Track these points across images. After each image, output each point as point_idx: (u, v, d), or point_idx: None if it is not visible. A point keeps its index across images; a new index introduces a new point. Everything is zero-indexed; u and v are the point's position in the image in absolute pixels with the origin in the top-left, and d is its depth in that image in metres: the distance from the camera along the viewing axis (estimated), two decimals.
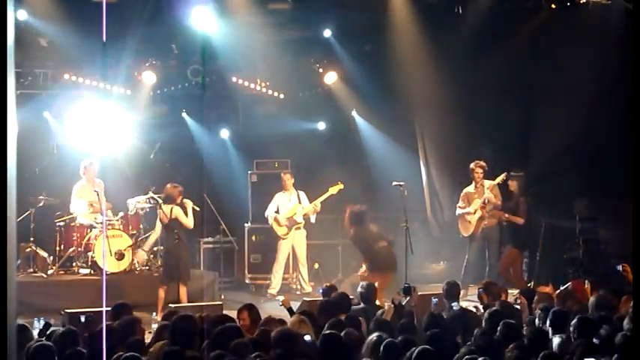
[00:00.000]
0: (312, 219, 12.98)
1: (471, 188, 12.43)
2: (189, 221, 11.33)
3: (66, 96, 13.98)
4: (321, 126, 15.80)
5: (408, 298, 8.26)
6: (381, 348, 5.85)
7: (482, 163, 12.37)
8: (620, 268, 9.30)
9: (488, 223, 12.35)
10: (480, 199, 12.27)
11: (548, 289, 9.19)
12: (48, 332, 7.07)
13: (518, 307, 8.39)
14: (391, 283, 11.37)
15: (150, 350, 6.29)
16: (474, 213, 12.33)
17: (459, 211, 12.53)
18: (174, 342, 6.21)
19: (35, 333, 7.22)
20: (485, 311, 8.00)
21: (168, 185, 11.59)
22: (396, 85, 14.28)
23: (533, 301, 8.31)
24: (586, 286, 9.53)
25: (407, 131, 14.80)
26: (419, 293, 9.74)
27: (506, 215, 12.19)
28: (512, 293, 10.08)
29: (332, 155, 15.20)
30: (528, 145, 13.78)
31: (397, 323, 7.28)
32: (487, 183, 12.42)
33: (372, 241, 11.86)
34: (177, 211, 11.28)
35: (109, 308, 8.01)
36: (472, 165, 12.32)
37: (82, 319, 7.06)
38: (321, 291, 12.65)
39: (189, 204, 11.35)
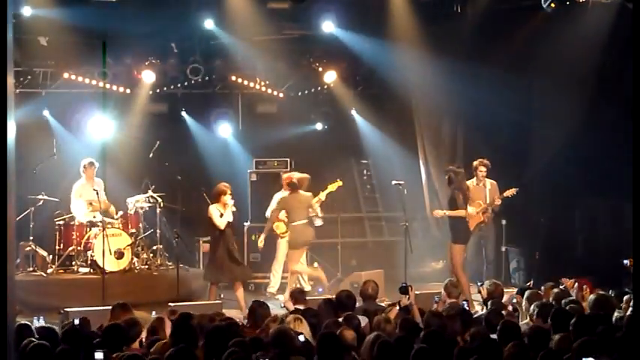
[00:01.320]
0: (318, 222, 12.76)
1: (470, 182, 12.44)
2: (219, 221, 11.21)
3: (65, 95, 13.99)
4: (321, 125, 15.80)
5: (406, 297, 8.24)
6: (375, 347, 5.83)
7: (486, 161, 12.34)
8: (627, 262, 9.27)
9: (484, 221, 12.36)
10: (480, 200, 12.25)
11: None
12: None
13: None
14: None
15: (151, 350, 6.27)
16: (474, 215, 12.33)
17: None
18: (176, 342, 6.20)
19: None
20: (482, 308, 8.03)
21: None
22: (396, 85, 14.28)
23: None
24: (584, 287, 9.54)
25: (406, 131, 14.79)
26: (419, 292, 9.76)
27: (447, 213, 11.90)
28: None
29: (331, 154, 15.21)
30: (528, 144, 13.77)
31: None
32: (489, 183, 12.41)
33: (293, 215, 11.86)
34: (211, 210, 11.23)
35: (108, 307, 8.02)
36: (476, 163, 12.30)
37: (77, 321, 7.04)
38: (320, 290, 12.70)
39: (229, 203, 11.26)
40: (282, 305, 8.75)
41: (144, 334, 6.86)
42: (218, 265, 11.24)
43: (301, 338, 6.20)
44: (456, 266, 11.53)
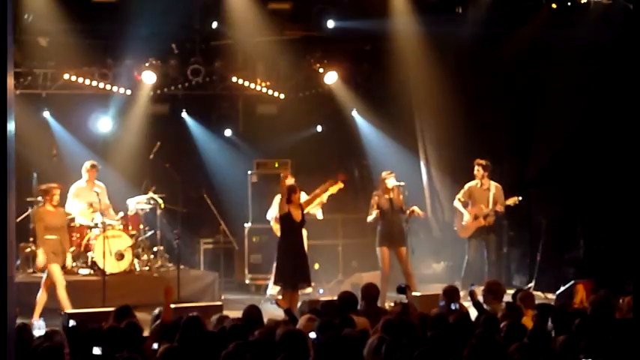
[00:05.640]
0: (319, 215, 12.68)
1: (474, 184, 12.44)
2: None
3: (66, 96, 13.99)
4: (321, 126, 15.80)
5: (403, 297, 8.20)
6: (383, 349, 5.81)
7: (481, 161, 12.38)
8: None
9: (486, 226, 12.37)
10: (482, 204, 12.25)
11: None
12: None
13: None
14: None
15: (159, 352, 6.24)
16: (476, 219, 12.32)
17: (457, 203, 12.52)
18: (181, 344, 6.19)
19: (35, 333, 7.19)
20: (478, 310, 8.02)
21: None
22: (396, 85, 14.27)
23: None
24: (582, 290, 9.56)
25: (407, 131, 14.79)
26: (420, 293, 9.73)
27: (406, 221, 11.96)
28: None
29: (332, 155, 15.20)
30: (528, 145, 13.77)
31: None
32: (493, 186, 12.40)
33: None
34: (279, 210, 11.05)
35: (109, 309, 7.99)
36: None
37: (72, 323, 7.02)
38: (321, 291, 12.66)
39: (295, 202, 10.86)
40: (273, 302, 8.71)
41: None
42: (290, 268, 10.80)
43: (312, 335, 6.19)
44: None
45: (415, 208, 11.83)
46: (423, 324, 6.93)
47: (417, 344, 5.77)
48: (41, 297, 10.77)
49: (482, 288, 8.79)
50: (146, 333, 7.01)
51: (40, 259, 11.01)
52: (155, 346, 6.46)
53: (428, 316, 7.27)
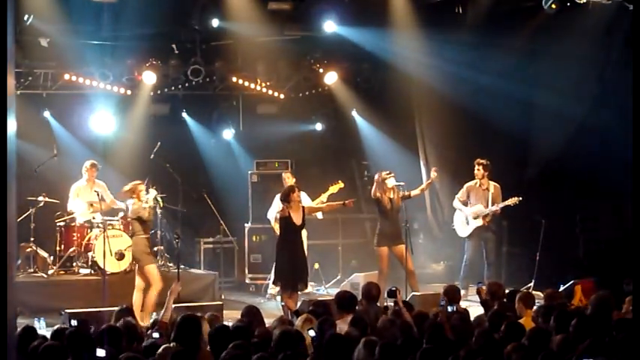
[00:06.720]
0: (320, 214, 12.67)
1: (472, 184, 12.45)
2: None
3: (66, 96, 14.01)
4: (321, 126, 15.80)
5: (393, 300, 8.20)
6: (377, 349, 5.81)
7: (482, 160, 12.38)
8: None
9: (484, 225, 12.37)
10: (481, 204, 12.26)
11: None
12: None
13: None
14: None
15: (158, 352, 6.26)
16: (475, 219, 12.32)
17: (456, 203, 12.53)
18: (179, 343, 6.20)
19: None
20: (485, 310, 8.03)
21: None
22: (396, 85, 14.28)
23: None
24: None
25: (407, 131, 14.80)
26: (420, 293, 9.74)
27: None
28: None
29: (332, 155, 15.21)
30: (529, 145, 13.77)
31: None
32: (492, 186, 12.40)
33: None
34: (279, 211, 11.07)
35: (109, 308, 8.01)
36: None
37: (75, 322, 7.01)
38: (320, 290, 12.64)
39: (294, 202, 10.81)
40: (282, 304, 8.72)
41: None
42: (289, 269, 10.69)
43: (311, 333, 6.20)
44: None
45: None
46: (419, 325, 6.95)
47: (411, 346, 5.79)
48: (137, 298, 10.51)
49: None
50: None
51: (129, 257, 10.94)
52: (156, 335, 6.47)
53: (425, 315, 7.30)
